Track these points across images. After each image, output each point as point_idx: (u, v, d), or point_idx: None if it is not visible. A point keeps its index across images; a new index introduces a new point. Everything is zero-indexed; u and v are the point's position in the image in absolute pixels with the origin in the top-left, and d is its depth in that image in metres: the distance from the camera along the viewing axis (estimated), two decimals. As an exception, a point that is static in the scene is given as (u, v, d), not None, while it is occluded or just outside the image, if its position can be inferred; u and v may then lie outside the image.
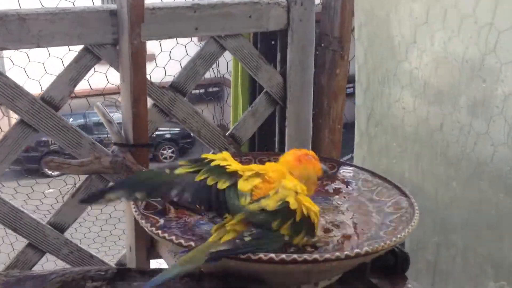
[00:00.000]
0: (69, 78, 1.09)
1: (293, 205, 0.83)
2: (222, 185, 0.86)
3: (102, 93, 1.45)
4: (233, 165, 0.90)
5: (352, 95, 1.36)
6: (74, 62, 1.09)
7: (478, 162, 0.98)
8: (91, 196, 0.93)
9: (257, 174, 0.88)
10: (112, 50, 1.09)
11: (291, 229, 0.82)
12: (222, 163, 0.89)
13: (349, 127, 1.42)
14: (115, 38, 1.07)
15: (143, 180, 0.89)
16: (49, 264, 1.26)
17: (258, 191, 0.86)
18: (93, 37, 1.07)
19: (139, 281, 0.84)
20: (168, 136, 7.97)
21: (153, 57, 2.52)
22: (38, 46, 1.03)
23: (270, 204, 0.83)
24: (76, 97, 1.51)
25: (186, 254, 0.80)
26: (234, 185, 0.86)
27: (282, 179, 0.87)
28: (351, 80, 1.32)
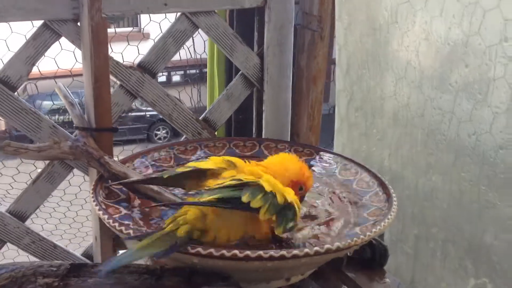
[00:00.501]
0: (27, 56, 1.01)
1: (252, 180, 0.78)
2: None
3: (71, 74, 1.37)
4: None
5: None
6: (32, 39, 1.01)
7: (460, 151, 0.92)
8: None
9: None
10: (73, 27, 1.01)
11: (266, 203, 0.75)
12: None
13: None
14: (76, 13, 0.99)
15: None
16: (10, 252, 1.20)
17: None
18: (52, 12, 0.99)
19: (94, 278, 0.78)
20: (161, 116, 7.91)
21: (148, 36, 2.42)
22: (-9, 21, 0.95)
23: (227, 183, 0.77)
24: (43, 78, 1.44)
25: (143, 241, 0.74)
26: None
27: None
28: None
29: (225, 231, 0.77)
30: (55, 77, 1.44)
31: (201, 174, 0.84)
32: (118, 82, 1.11)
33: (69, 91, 1.07)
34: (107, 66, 0.99)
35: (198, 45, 1.69)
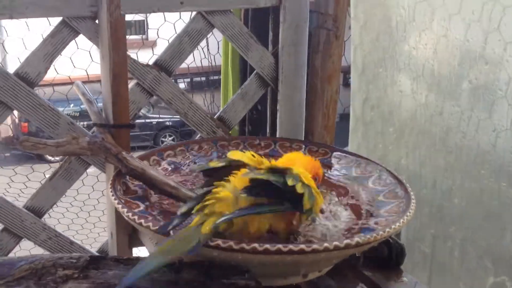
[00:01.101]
0: (45, 54, 1.02)
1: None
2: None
3: (87, 76, 1.38)
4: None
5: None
6: (50, 36, 1.02)
7: (479, 149, 0.92)
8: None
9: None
10: (91, 24, 1.02)
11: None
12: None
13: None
14: (94, 11, 1.00)
15: None
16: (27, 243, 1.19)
17: None
18: (71, 9, 1.00)
19: (114, 270, 0.78)
20: (168, 123, 7.93)
21: (155, 44, 2.43)
22: (11, 18, 0.96)
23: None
24: (57, 84, 1.44)
25: (164, 242, 0.74)
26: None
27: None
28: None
29: (257, 219, 0.76)
30: (70, 83, 1.45)
31: (235, 169, 0.81)
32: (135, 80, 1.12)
33: (87, 89, 1.08)
34: (125, 63, 0.99)
35: (211, 46, 1.70)
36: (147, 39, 6.37)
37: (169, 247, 0.72)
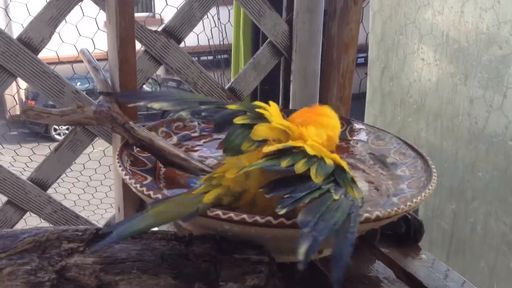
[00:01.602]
0: (49, 17, 0.97)
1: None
2: (239, 120, 0.74)
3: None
4: (274, 116, 0.76)
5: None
6: (54, -1, 0.97)
7: (507, 119, 0.86)
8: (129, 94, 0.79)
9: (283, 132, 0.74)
10: (97, -14, 0.97)
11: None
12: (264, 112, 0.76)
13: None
14: (100, -28, 0.95)
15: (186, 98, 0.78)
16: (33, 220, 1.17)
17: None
18: (76, -29, 0.95)
19: (122, 243, 0.74)
20: (186, 84, 7.93)
21: (163, 22, 2.35)
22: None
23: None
24: (61, 62, 1.39)
25: (159, 203, 0.68)
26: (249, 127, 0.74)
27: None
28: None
29: (268, 200, 0.71)
30: (73, 62, 1.40)
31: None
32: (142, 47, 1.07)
33: (93, 56, 1.03)
34: (132, 28, 0.94)
35: (221, 15, 1.64)
36: (153, 17, 6.30)
37: (164, 209, 0.67)
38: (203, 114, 0.77)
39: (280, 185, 0.66)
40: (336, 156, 0.73)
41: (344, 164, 0.72)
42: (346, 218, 0.62)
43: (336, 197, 0.65)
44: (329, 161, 0.70)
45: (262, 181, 0.70)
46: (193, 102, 0.80)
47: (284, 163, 0.67)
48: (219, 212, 0.69)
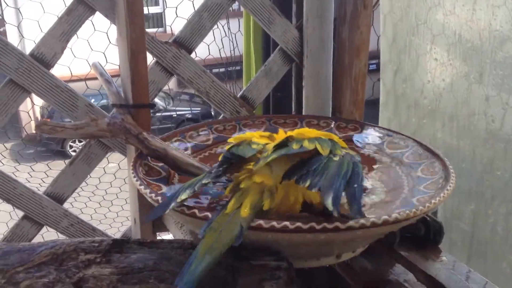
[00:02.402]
0: (61, 33, 0.98)
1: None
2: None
3: (104, 57, 1.34)
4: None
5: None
6: (65, 14, 0.98)
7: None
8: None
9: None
10: (107, 1, 0.98)
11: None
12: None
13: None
14: (110, -14, 0.96)
15: None
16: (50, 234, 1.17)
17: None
18: (86, -15, 0.96)
19: (138, 253, 0.74)
20: (189, 116, 8.00)
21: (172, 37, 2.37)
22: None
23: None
24: (74, 80, 1.41)
25: (205, 239, 0.66)
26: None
27: None
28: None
29: (293, 189, 0.71)
30: (85, 79, 1.42)
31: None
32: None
33: (104, 69, 1.04)
34: (143, 39, 0.95)
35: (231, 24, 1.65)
36: (164, 31, 6.35)
37: (211, 243, 0.65)
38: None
39: (296, 169, 0.71)
40: (327, 133, 0.78)
41: (335, 137, 0.78)
42: (353, 168, 0.71)
43: (336, 158, 0.72)
44: (324, 137, 0.76)
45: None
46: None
47: (295, 146, 0.72)
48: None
